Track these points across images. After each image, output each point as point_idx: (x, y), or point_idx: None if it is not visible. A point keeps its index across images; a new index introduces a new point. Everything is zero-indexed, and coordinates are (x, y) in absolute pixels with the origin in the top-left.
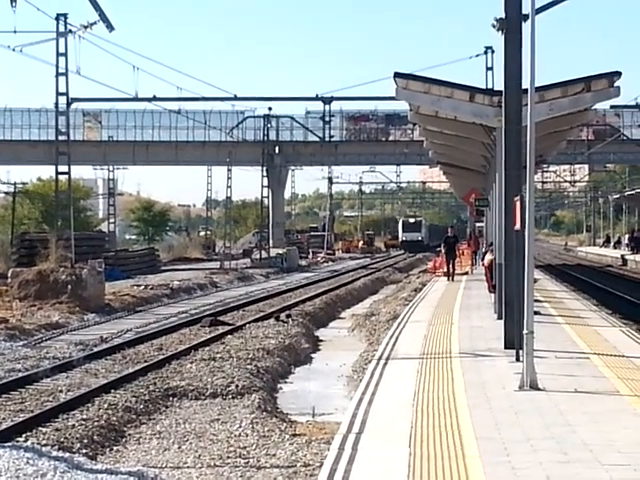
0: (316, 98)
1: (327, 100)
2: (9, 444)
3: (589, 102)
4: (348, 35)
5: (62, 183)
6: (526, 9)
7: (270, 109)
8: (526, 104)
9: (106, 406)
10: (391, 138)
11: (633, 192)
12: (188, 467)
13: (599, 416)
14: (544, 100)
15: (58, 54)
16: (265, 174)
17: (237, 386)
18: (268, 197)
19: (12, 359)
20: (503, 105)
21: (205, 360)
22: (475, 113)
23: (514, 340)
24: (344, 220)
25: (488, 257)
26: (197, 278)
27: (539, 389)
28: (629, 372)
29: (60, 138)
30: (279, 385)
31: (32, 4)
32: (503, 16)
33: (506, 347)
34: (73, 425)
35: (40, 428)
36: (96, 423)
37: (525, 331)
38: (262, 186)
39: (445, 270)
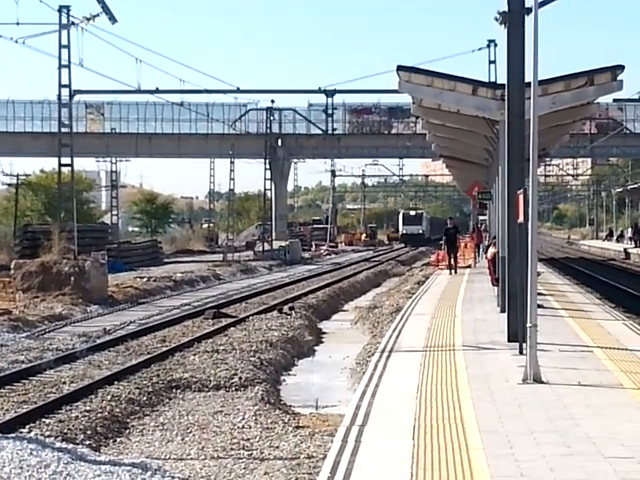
0: (319, 91)
1: (330, 93)
2: (13, 435)
3: (592, 96)
4: (351, 28)
5: (65, 175)
6: (529, 2)
7: (273, 102)
8: (529, 97)
9: (109, 398)
10: (394, 131)
11: (636, 185)
12: (191, 459)
13: (602, 409)
14: (547, 93)
15: (61, 46)
16: (268, 167)
17: (240, 378)
18: (271, 190)
19: (15, 350)
20: (506, 98)
21: (208, 352)
22: (478, 106)
23: (517, 333)
24: (347, 213)
25: (491, 250)
26: (200, 270)
27: (542, 382)
28: (632, 365)
29: (63, 130)
30: (282, 377)
31: None
32: (506, 9)
33: (509, 340)
34: (76, 416)
35: (43, 419)
36: (99, 415)
37: (528, 324)
38: (265, 179)
39: (447, 263)
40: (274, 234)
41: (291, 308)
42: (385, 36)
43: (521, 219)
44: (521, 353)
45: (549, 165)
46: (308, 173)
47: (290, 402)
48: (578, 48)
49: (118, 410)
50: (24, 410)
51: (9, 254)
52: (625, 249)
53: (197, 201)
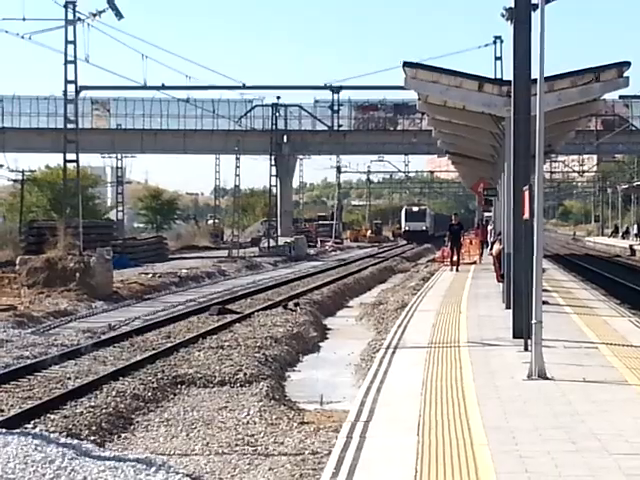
0: (325, 87)
1: (336, 89)
2: (17, 431)
3: (598, 92)
4: (357, 24)
5: (70, 171)
6: None
7: (279, 98)
8: (535, 94)
9: (114, 393)
10: (399, 127)
11: None
12: (196, 454)
13: (608, 405)
14: (553, 90)
15: (67, 42)
16: (273, 163)
17: (245, 374)
18: (276, 186)
19: (20, 346)
20: (512, 95)
21: (213, 348)
22: (484, 103)
23: (522, 329)
24: (352, 209)
25: (496, 247)
26: (205, 266)
27: (547, 378)
28: (638, 362)
29: (68, 126)
30: (287, 373)
31: None
32: (512, 5)
33: (514, 336)
34: (81, 412)
35: (48, 415)
36: (104, 410)
37: (534, 320)
38: (270, 175)
39: (450, 260)
40: (279, 230)
41: (296, 304)
42: (391, 33)
43: (527, 215)
44: (526, 349)
45: (555, 161)
46: (314, 169)
47: (295, 398)
48: (584, 44)
49: (123, 406)
50: (29, 406)
51: (15, 250)
52: (631, 246)
53: (202, 197)
